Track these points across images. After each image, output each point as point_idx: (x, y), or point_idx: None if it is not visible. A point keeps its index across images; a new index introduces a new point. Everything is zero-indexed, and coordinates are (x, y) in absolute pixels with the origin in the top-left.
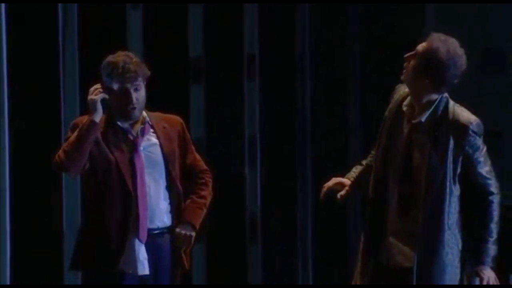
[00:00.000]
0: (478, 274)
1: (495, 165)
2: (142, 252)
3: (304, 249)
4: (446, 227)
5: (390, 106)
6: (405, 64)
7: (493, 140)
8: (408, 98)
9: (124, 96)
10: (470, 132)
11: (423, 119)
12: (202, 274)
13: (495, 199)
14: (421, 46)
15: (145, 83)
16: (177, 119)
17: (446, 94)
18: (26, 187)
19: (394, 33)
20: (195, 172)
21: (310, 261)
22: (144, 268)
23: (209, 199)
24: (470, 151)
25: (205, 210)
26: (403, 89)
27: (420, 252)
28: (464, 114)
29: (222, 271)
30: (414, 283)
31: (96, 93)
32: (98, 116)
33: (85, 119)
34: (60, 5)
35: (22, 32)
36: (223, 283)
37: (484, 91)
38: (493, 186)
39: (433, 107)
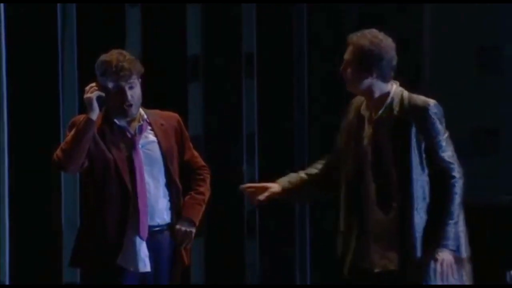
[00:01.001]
0: (434, 257)
1: (492, 163)
2: (143, 249)
3: (302, 246)
4: (415, 212)
5: (349, 116)
6: (344, 77)
7: (489, 139)
8: (364, 103)
9: (119, 95)
10: (430, 114)
11: (381, 113)
12: (200, 270)
13: (457, 183)
14: (347, 54)
15: (139, 80)
16: (174, 115)
17: (400, 88)
18: (25, 186)
19: (392, 33)
20: (193, 169)
21: (308, 258)
22: (145, 265)
23: (207, 195)
24: (433, 134)
25: (204, 206)
26: (357, 100)
27: (400, 242)
28: (421, 98)
29: (220, 267)
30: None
31: (91, 91)
32: (95, 114)
33: (82, 117)
34: (59, 5)
35: (21, 31)
36: (220, 279)
37: (480, 90)
38: (456, 170)
39: (389, 100)
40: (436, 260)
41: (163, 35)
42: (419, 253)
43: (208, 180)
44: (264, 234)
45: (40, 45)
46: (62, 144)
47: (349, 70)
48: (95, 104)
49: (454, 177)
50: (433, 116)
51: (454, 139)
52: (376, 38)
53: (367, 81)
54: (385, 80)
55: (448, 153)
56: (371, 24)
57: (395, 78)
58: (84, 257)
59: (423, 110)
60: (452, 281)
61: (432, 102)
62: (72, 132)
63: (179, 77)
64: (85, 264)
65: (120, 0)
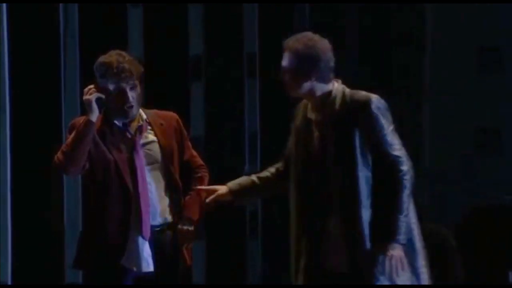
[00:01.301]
0: (384, 252)
1: (492, 163)
2: (146, 249)
3: None
4: (362, 209)
5: (297, 119)
6: (284, 83)
7: (490, 139)
8: (309, 106)
9: (121, 96)
10: (372, 108)
11: (325, 112)
12: (202, 270)
13: (405, 176)
14: (284, 61)
15: (139, 80)
16: (173, 115)
17: (342, 86)
18: (27, 187)
19: (393, 33)
20: (192, 168)
21: None
22: (148, 265)
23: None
24: (376, 129)
25: (204, 205)
26: (304, 103)
27: (350, 240)
28: (362, 94)
29: (222, 267)
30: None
31: (90, 93)
32: (95, 116)
33: (82, 119)
34: (61, 5)
35: (23, 32)
36: (222, 279)
37: (481, 90)
38: (403, 163)
39: (331, 98)
40: (386, 255)
41: (165, 35)
42: (369, 249)
43: (206, 179)
44: (266, 234)
45: (42, 45)
46: (63, 147)
47: (287, 75)
48: (95, 106)
49: (401, 170)
50: (375, 111)
51: (455, 139)
52: (311, 40)
53: (307, 85)
54: (325, 81)
55: (394, 146)
56: (372, 24)
57: (397, 78)
58: (87, 259)
59: (365, 105)
60: (403, 275)
61: (374, 97)
62: (72, 134)
63: (181, 77)
64: (89, 266)
65: (122, 1)
